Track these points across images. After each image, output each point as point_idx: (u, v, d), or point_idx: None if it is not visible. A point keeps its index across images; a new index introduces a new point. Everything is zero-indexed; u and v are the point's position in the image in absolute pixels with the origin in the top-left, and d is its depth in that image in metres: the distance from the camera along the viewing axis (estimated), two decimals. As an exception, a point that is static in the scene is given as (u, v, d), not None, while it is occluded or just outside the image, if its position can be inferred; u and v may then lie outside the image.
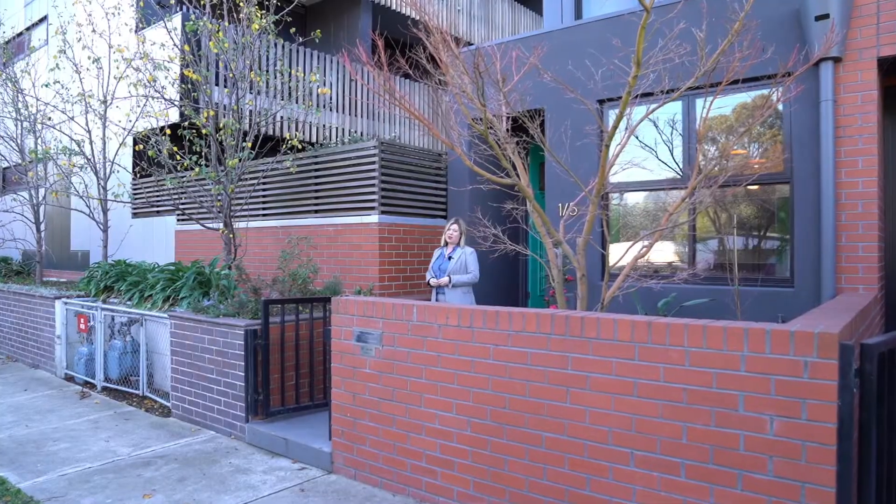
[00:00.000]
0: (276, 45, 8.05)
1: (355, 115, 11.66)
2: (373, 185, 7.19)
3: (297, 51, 10.49)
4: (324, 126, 10.94)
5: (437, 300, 6.04)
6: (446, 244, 6.19)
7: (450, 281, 5.90)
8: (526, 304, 8.43)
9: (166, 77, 7.51)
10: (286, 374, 5.45)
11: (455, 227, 6.16)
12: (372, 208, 7.18)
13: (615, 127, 3.57)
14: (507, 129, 3.78)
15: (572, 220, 4.80)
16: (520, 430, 3.57)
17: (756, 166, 5.28)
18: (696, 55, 3.74)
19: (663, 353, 3.10)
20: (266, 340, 5.26)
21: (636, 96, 3.62)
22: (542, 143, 3.93)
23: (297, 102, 8.86)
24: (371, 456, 4.31)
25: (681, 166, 6.12)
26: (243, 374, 5.29)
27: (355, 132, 11.44)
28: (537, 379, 3.50)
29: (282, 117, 9.78)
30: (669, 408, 3.07)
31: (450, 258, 6.03)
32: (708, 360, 2.97)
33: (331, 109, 11.11)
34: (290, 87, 8.79)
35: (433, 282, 6.05)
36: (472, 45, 11.56)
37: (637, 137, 5.11)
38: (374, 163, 7.19)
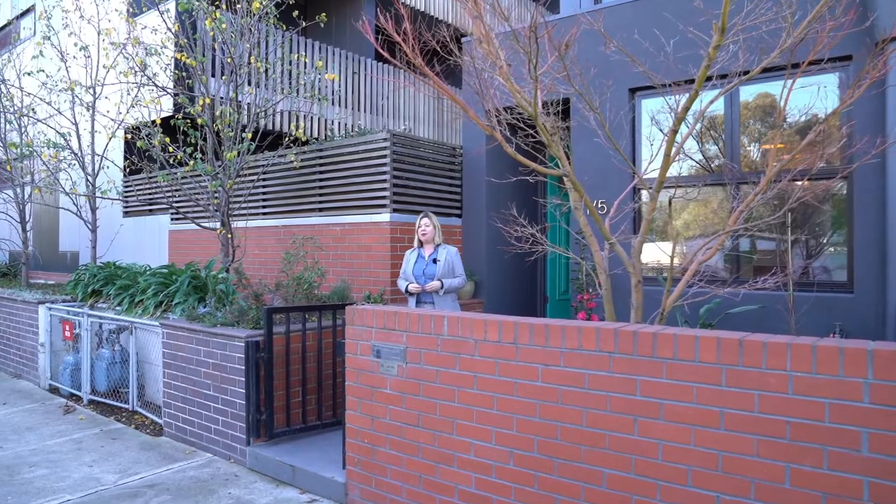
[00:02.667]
0: (277, 29, 7.46)
1: (358, 110, 11.10)
2: (384, 181, 6.63)
3: (299, 42, 9.92)
4: (326, 120, 10.38)
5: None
6: (421, 244, 5.39)
7: (442, 286, 5.16)
8: (545, 309, 7.89)
9: (158, 62, 6.92)
10: (291, 391, 4.89)
11: (427, 221, 5.32)
12: (383, 206, 6.62)
13: (687, 108, 3.03)
14: (558, 112, 3.24)
15: (619, 217, 4.26)
16: (575, 466, 3.03)
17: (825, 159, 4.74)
18: (775, 25, 3.21)
19: (758, 377, 2.56)
20: (269, 353, 4.70)
21: (709, 78, 3.07)
22: (603, 126, 3.39)
23: (297, 93, 8.29)
24: (393, 489, 3.76)
25: (722, 161, 5.60)
26: (244, 390, 4.72)
27: (359, 126, 10.87)
28: (597, 406, 2.96)
29: (282, 110, 9.21)
30: (767, 444, 2.53)
31: (435, 260, 5.28)
32: (818, 388, 2.43)
33: (333, 103, 10.55)
34: (290, 75, 8.21)
35: (428, 286, 5.17)
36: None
37: (661, 129, 4.58)
38: (385, 156, 6.63)
